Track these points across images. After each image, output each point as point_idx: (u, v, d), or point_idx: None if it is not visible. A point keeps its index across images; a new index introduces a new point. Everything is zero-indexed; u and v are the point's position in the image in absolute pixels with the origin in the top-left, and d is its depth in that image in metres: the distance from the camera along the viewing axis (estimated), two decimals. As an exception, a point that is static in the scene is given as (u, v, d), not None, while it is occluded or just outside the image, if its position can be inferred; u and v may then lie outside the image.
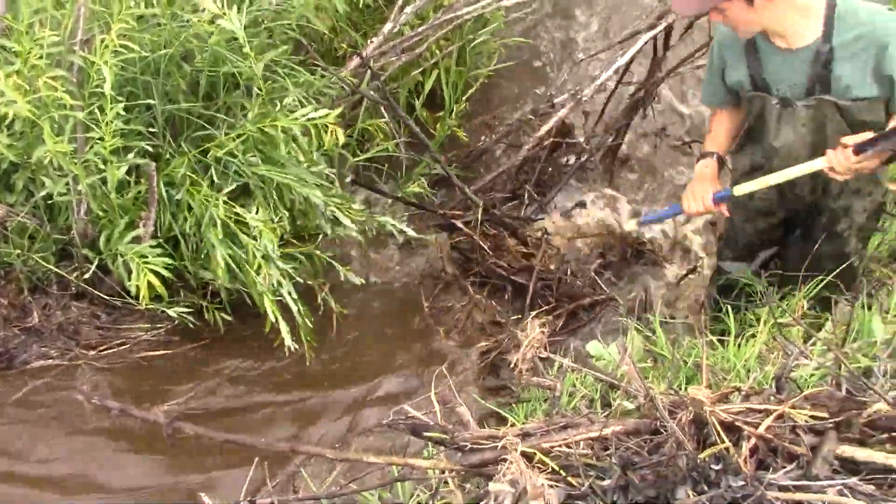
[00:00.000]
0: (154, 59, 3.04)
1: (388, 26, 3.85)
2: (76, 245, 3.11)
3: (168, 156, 3.15)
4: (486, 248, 3.88)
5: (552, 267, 3.94)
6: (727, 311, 2.78)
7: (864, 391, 2.08)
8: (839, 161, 2.58)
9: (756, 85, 2.79)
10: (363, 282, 3.58)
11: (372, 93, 3.83)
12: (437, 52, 4.42)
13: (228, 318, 3.35)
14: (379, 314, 3.80)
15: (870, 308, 2.76)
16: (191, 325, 3.26)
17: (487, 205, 3.99)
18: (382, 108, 3.96)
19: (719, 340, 2.68)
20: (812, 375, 2.42)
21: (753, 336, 2.63)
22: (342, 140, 3.18)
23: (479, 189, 4.17)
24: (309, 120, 3.06)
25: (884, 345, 2.43)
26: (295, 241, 3.37)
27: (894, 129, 2.56)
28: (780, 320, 2.53)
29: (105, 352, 3.21)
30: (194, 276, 3.20)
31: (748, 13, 2.57)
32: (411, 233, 3.68)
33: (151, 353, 3.28)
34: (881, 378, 2.35)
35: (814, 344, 2.56)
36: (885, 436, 1.90)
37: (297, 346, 3.14)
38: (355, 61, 3.80)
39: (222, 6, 2.85)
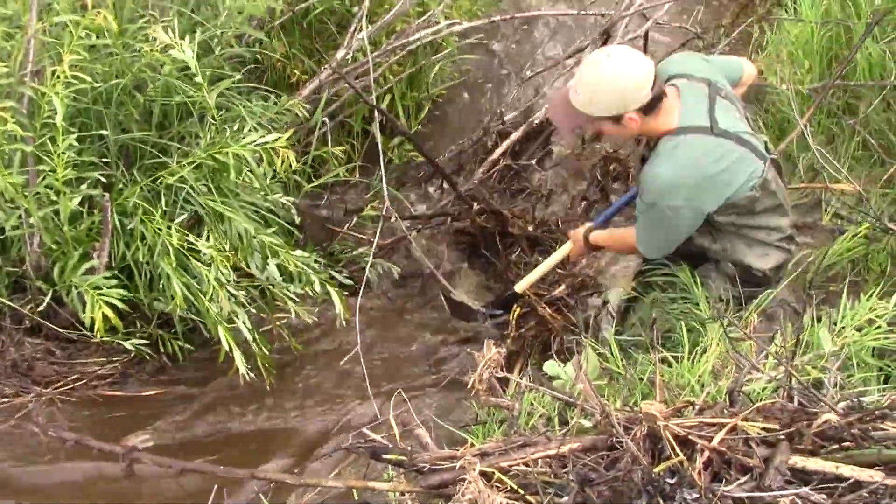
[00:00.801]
0: (106, 89, 3.03)
1: (340, 52, 3.88)
2: (29, 277, 3.08)
3: (121, 185, 3.14)
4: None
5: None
6: (680, 327, 2.82)
7: (814, 402, 2.13)
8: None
9: None
10: (315, 320, 3.50)
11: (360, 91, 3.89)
12: (391, 77, 4.47)
13: (188, 346, 3.34)
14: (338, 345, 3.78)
15: (819, 320, 2.82)
16: (147, 357, 3.24)
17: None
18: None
19: (673, 357, 2.72)
20: (765, 389, 2.46)
21: (706, 351, 2.67)
22: (294, 164, 3.20)
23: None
24: (260, 145, 3.07)
25: (832, 356, 2.48)
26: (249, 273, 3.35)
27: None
28: (731, 335, 2.57)
29: (60, 388, 3.17)
30: (149, 306, 3.18)
31: (613, 130, 2.86)
32: (335, 298, 3.39)
33: (109, 392, 3.25)
34: (831, 389, 2.41)
35: (766, 357, 2.61)
36: (836, 445, 1.94)
37: (252, 376, 3.11)
38: (310, 87, 3.82)
39: (174, 36, 2.86)
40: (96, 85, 2.92)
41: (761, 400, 2.23)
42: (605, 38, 4.50)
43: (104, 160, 3.11)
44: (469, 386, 2.37)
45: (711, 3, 6.00)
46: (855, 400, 2.17)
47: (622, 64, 2.73)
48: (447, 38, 4.52)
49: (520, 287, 3.58)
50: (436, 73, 4.77)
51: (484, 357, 2.29)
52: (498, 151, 4.29)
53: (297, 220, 3.55)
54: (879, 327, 2.75)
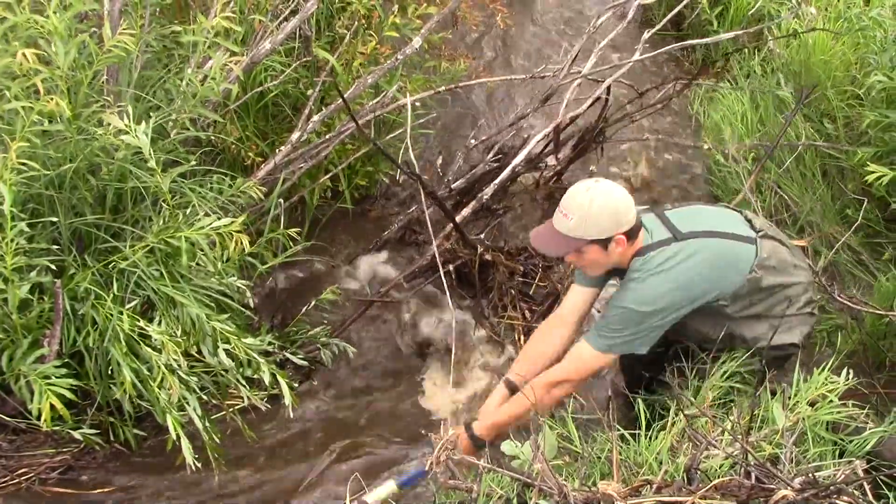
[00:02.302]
0: (59, 173, 3.02)
1: (296, 135, 3.91)
2: (-25, 366, 3.00)
3: (73, 270, 3.10)
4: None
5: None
6: (638, 407, 2.83)
7: (770, 479, 2.14)
8: None
9: None
10: (268, 407, 3.42)
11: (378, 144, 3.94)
12: (344, 155, 4.52)
13: (140, 433, 3.28)
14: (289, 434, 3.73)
15: (773, 395, 2.86)
16: (98, 446, 3.17)
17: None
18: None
19: (631, 434, 2.72)
20: (722, 465, 2.47)
21: (664, 429, 2.68)
22: (248, 248, 3.19)
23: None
24: (213, 229, 3.07)
25: (788, 431, 2.50)
26: (201, 357, 3.30)
27: None
28: (688, 412, 2.58)
29: (7, 483, 3.08)
30: (100, 393, 3.12)
31: (597, 256, 2.96)
32: (285, 390, 3.25)
33: (57, 489, 3.17)
34: (787, 465, 2.43)
35: (723, 433, 2.63)
36: (792, 521, 1.95)
37: (199, 466, 3.02)
38: (265, 169, 3.84)
39: (129, 121, 2.87)
40: (47, 172, 2.90)
41: (718, 477, 2.23)
42: (545, 100, 4.82)
43: (56, 245, 3.07)
44: (427, 468, 2.35)
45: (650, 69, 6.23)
46: (811, 475, 2.19)
47: (610, 189, 2.91)
48: (400, 114, 4.59)
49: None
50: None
51: (441, 438, 2.27)
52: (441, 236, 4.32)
53: (252, 303, 3.52)
54: (832, 401, 2.80)
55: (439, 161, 5.11)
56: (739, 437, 2.31)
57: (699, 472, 2.24)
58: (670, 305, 2.93)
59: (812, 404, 2.83)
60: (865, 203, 4.29)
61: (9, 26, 2.89)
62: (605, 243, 2.91)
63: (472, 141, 5.03)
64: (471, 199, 4.49)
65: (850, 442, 2.83)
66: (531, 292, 4.45)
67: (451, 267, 4.30)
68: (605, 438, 2.83)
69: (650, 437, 2.66)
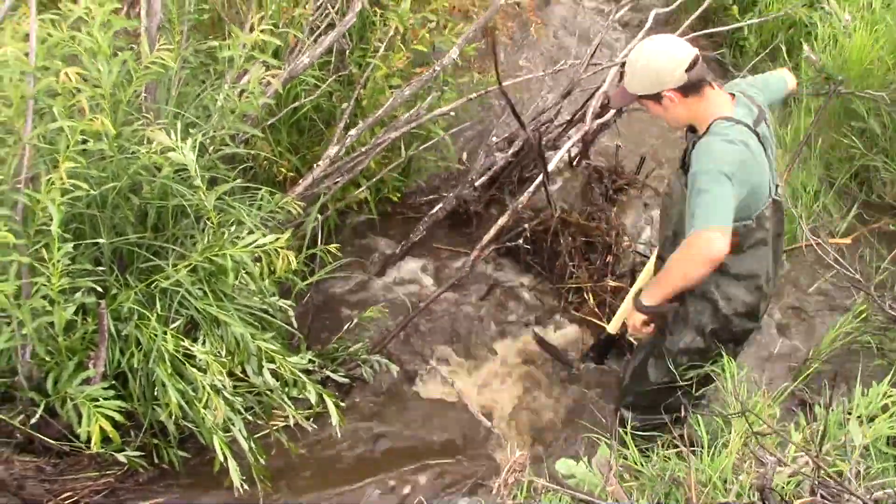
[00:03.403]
0: (102, 193, 2.98)
1: (334, 149, 3.86)
2: (21, 388, 2.95)
3: (115, 290, 3.06)
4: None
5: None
6: (698, 421, 2.76)
7: (842, 495, 2.08)
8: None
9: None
10: (314, 427, 3.38)
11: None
12: (378, 168, 4.48)
13: (183, 454, 3.23)
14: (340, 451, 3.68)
15: (827, 408, 2.79)
16: (141, 468, 3.13)
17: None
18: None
19: (691, 451, 2.66)
20: (788, 483, 2.41)
21: (725, 445, 2.62)
22: (295, 265, 3.16)
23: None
24: (258, 247, 3.03)
25: (861, 448, 2.44)
26: (245, 377, 3.25)
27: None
28: (755, 429, 2.51)
29: (52, 507, 3.04)
30: (144, 415, 3.07)
31: (658, 109, 3.08)
32: (332, 410, 3.23)
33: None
34: (853, 481, 2.36)
35: (786, 449, 2.56)
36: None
37: (247, 488, 3.02)
38: (303, 184, 3.80)
39: (174, 138, 2.83)
40: (92, 192, 2.85)
41: (787, 494, 2.17)
42: (566, 95, 4.91)
43: (98, 265, 3.03)
44: (493, 491, 2.30)
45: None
46: (888, 492, 2.13)
47: (660, 46, 3.01)
48: (433, 130, 4.57)
49: (612, 327, 3.89)
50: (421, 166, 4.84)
51: (508, 461, 2.21)
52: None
53: (294, 323, 3.48)
54: (893, 415, 2.73)
55: (464, 157, 5.15)
56: (812, 452, 2.25)
57: (772, 492, 2.17)
58: (736, 171, 2.85)
59: (871, 419, 2.77)
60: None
61: (52, 43, 2.85)
62: (657, 98, 3.03)
63: (494, 139, 5.04)
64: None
65: (914, 457, 2.76)
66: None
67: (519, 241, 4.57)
68: (664, 456, 2.77)
69: (712, 455, 2.61)
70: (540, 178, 4.49)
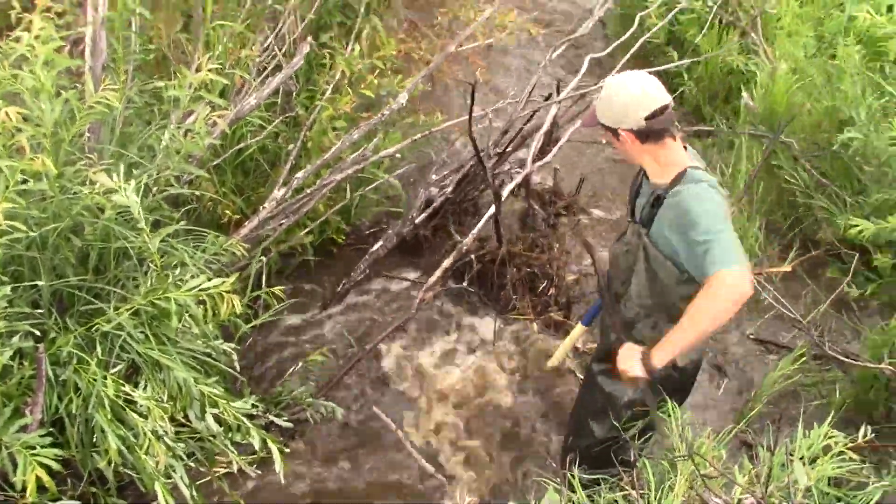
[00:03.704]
0: (42, 234, 2.91)
1: (280, 191, 3.84)
2: (-48, 435, 2.85)
3: (54, 333, 2.98)
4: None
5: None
6: (645, 464, 2.77)
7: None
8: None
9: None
10: (258, 473, 3.30)
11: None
12: (324, 209, 4.46)
13: (121, 502, 3.14)
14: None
15: (771, 450, 2.82)
16: (77, 519, 3.04)
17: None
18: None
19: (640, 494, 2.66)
20: (735, 525, 2.42)
21: (671, 488, 2.62)
22: (239, 309, 3.11)
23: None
24: (203, 290, 2.98)
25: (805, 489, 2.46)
26: (187, 422, 3.18)
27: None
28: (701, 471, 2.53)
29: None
30: (82, 462, 2.98)
31: (616, 144, 3.02)
32: (276, 456, 3.11)
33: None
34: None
35: (731, 490, 2.58)
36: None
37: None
38: (249, 226, 3.77)
39: (117, 179, 2.78)
40: (31, 234, 2.79)
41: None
42: (504, 133, 5.01)
43: (36, 308, 2.95)
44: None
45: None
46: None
47: (631, 85, 2.92)
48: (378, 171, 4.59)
49: (552, 362, 4.03)
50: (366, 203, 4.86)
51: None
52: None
53: (238, 366, 3.42)
54: (835, 455, 2.76)
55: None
56: (758, 494, 2.27)
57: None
58: (729, 218, 2.86)
59: (813, 460, 2.80)
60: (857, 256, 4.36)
61: (-8, 82, 2.80)
62: (614, 133, 2.97)
63: (434, 176, 5.06)
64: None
65: (855, 497, 2.80)
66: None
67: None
68: (612, 499, 2.77)
69: (659, 498, 2.61)
70: (489, 212, 4.52)
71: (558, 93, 4.98)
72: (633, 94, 2.90)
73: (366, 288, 4.85)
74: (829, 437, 2.83)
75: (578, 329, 3.68)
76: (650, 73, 3.00)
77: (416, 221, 4.81)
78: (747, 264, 2.74)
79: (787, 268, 4.35)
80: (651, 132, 2.91)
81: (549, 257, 4.70)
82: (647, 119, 2.87)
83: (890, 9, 5.81)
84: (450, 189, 4.92)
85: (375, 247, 4.63)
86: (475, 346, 4.58)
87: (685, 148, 3.05)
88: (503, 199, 4.71)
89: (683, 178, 2.91)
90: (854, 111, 4.69)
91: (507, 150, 4.94)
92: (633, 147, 2.97)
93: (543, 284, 4.72)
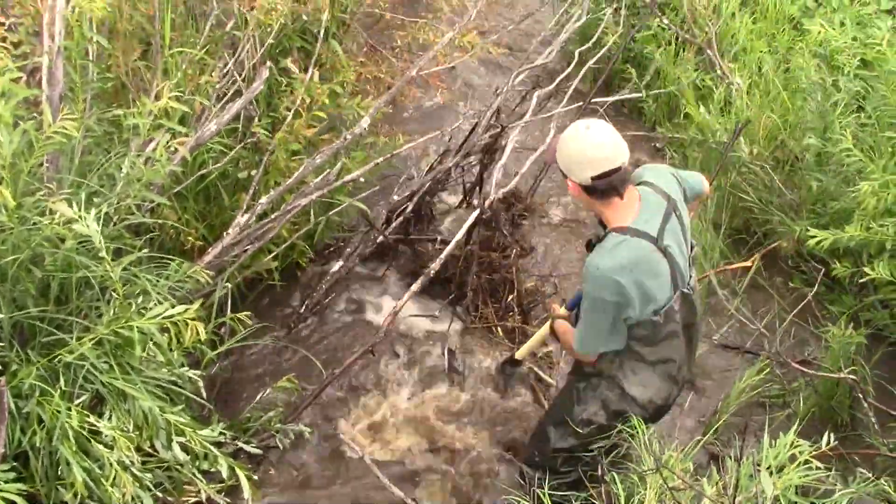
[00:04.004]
0: (1, 265, 2.88)
1: (244, 217, 3.83)
2: (-89, 473, 2.80)
3: (16, 366, 2.94)
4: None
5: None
6: (613, 479, 2.79)
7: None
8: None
9: None
10: (227, 502, 3.27)
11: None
12: (288, 234, 4.45)
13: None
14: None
15: (738, 460, 2.85)
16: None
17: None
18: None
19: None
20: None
21: (641, 502, 2.64)
22: (204, 336, 3.08)
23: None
24: (166, 318, 2.96)
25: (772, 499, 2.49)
26: (154, 451, 3.15)
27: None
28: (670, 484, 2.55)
29: None
30: (48, 496, 2.94)
31: (570, 188, 3.04)
32: (244, 483, 3.16)
33: None
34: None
35: (700, 502, 2.60)
36: None
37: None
38: (213, 252, 3.75)
39: (78, 209, 2.76)
40: (-11, 264, 2.76)
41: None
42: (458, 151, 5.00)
43: (-4, 341, 2.92)
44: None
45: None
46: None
47: (589, 139, 2.93)
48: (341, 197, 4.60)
49: (519, 354, 4.17)
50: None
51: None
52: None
53: (204, 394, 3.40)
54: (805, 463, 2.79)
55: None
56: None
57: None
58: (616, 296, 2.97)
59: (780, 469, 2.83)
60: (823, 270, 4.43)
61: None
62: (565, 177, 3.03)
63: (395, 197, 5.07)
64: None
65: (823, 505, 2.83)
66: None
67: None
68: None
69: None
70: (458, 235, 4.54)
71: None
72: (586, 151, 2.92)
73: (331, 304, 4.86)
74: (795, 447, 2.87)
75: (560, 314, 3.64)
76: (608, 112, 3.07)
77: (378, 240, 4.85)
78: (596, 351, 3.21)
79: (747, 263, 4.47)
80: (596, 190, 2.95)
81: (510, 262, 4.75)
82: (593, 178, 2.91)
83: (842, 24, 5.94)
84: (409, 207, 4.96)
85: (336, 267, 4.62)
86: (439, 367, 4.58)
87: (640, 195, 3.08)
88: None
89: (604, 240, 3.02)
90: (811, 122, 4.79)
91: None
92: (581, 196, 3.03)
93: (503, 290, 4.82)
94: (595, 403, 3.28)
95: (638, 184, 3.11)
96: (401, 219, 4.92)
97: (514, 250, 4.91)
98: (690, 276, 3.16)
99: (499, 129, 4.74)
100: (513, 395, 4.43)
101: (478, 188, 5.00)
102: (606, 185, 2.92)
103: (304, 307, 4.65)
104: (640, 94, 6.02)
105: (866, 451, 3.85)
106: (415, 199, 4.90)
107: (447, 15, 5.78)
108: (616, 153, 2.92)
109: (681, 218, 3.10)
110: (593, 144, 2.91)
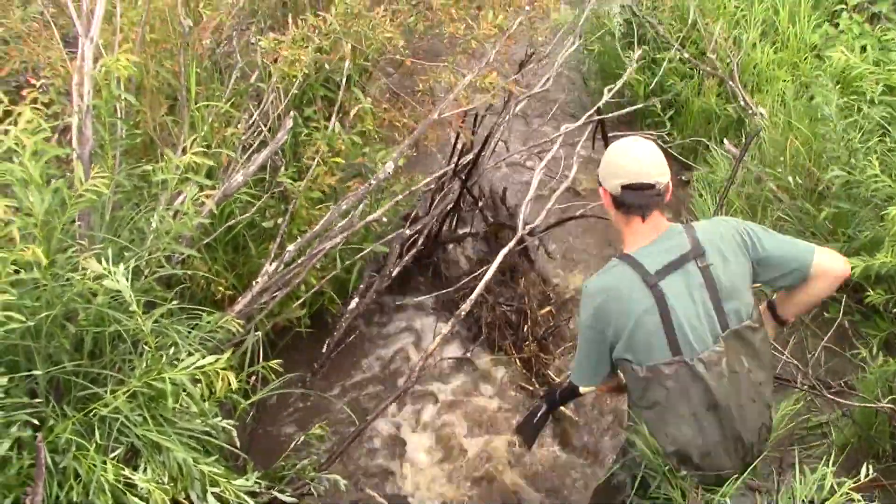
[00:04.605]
0: (36, 322, 2.92)
1: (272, 265, 3.87)
2: (-51, 530, 2.84)
3: (52, 421, 2.98)
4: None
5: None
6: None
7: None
8: None
9: None
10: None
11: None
12: (315, 281, 4.49)
13: None
14: None
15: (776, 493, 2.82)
16: None
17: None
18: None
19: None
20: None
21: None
22: (235, 385, 3.11)
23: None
24: (198, 368, 2.98)
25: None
26: (189, 502, 3.15)
27: None
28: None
29: None
30: (86, 554, 2.95)
31: (601, 198, 3.03)
32: None
33: None
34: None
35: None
36: None
37: None
38: (242, 301, 3.78)
39: (107, 264, 2.80)
40: (24, 322, 2.80)
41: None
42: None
43: (33, 396, 2.95)
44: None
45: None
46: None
47: (629, 151, 2.91)
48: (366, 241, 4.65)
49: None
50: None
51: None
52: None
53: (238, 443, 3.41)
54: (842, 496, 2.74)
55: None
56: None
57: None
58: (592, 321, 2.93)
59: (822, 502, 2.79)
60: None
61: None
62: (601, 186, 3.00)
63: (408, 231, 5.15)
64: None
65: (865, 537, 2.78)
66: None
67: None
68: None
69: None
70: (493, 264, 4.59)
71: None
72: (623, 158, 2.89)
73: (358, 346, 4.90)
74: (832, 479, 2.82)
75: None
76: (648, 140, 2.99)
77: (394, 273, 4.96)
78: (588, 384, 3.22)
79: None
80: (622, 203, 2.89)
81: (522, 290, 4.79)
82: (622, 187, 2.86)
83: (864, 49, 5.93)
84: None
85: (352, 304, 4.65)
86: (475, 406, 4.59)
87: (664, 232, 2.95)
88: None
89: (608, 264, 3.00)
90: (833, 151, 4.76)
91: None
92: (609, 207, 2.98)
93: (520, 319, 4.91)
94: (622, 471, 3.22)
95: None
96: (413, 251, 5.10)
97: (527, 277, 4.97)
98: (715, 351, 2.85)
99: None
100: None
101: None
102: (633, 200, 2.86)
103: (325, 346, 4.66)
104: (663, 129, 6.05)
105: (909, 481, 3.78)
106: (425, 231, 5.10)
107: (469, 57, 5.85)
108: (651, 170, 2.86)
109: (711, 275, 2.86)
110: (632, 155, 2.88)
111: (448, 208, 5.24)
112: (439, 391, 4.73)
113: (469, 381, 4.82)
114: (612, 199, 2.92)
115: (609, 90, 5.84)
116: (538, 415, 3.58)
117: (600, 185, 2.97)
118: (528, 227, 4.87)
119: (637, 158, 2.86)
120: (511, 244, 4.73)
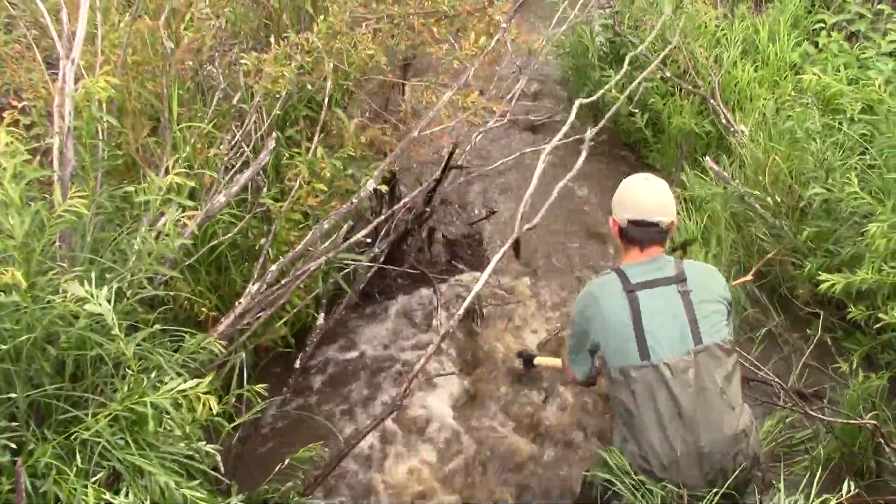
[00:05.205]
0: (16, 346, 2.90)
1: (255, 286, 3.86)
2: (-73, 557, 2.80)
3: (32, 445, 2.95)
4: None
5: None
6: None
7: None
8: None
9: None
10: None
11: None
12: (299, 300, 4.48)
13: None
14: None
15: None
16: None
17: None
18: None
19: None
20: None
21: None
22: (216, 409, 3.09)
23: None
24: (180, 392, 2.96)
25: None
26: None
27: None
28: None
29: None
30: (64, 576, 2.92)
31: (611, 226, 3.36)
32: None
33: None
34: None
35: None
36: None
37: None
38: (225, 323, 3.77)
39: (89, 287, 2.78)
40: (3, 346, 2.78)
41: None
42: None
43: (12, 420, 2.93)
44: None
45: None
46: None
47: (640, 189, 3.27)
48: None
49: (537, 361, 4.77)
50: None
51: None
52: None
53: (221, 467, 3.38)
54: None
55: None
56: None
57: None
58: (577, 317, 3.33)
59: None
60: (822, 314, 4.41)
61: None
62: (611, 214, 3.32)
63: (377, 249, 5.29)
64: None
65: (848, 556, 2.78)
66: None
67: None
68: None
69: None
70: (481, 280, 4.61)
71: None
72: (633, 195, 3.24)
73: (340, 359, 4.99)
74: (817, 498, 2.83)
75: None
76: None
77: (361, 287, 5.18)
78: (574, 363, 3.54)
79: (748, 278, 4.57)
80: (625, 234, 3.25)
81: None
82: (629, 221, 3.21)
83: (839, 69, 5.99)
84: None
85: (320, 321, 4.64)
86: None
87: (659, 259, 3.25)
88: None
89: (602, 271, 3.38)
90: (812, 170, 4.80)
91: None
92: (615, 233, 3.31)
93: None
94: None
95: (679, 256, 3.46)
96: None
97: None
98: (683, 360, 3.00)
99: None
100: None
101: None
102: (636, 234, 3.20)
103: (298, 361, 4.63)
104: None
105: (892, 497, 3.79)
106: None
107: (450, 76, 5.88)
108: (658, 210, 3.20)
109: (689, 300, 3.10)
110: (642, 193, 3.22)
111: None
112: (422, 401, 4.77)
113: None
114: (619, 229, 3.25)
115: (591, 130, 5.85)
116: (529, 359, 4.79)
117: (611, 213, 3.28)
118: (525, 227, 4.88)
119: (646, 197, 3.20)
120: (507, 245, 4.72)
